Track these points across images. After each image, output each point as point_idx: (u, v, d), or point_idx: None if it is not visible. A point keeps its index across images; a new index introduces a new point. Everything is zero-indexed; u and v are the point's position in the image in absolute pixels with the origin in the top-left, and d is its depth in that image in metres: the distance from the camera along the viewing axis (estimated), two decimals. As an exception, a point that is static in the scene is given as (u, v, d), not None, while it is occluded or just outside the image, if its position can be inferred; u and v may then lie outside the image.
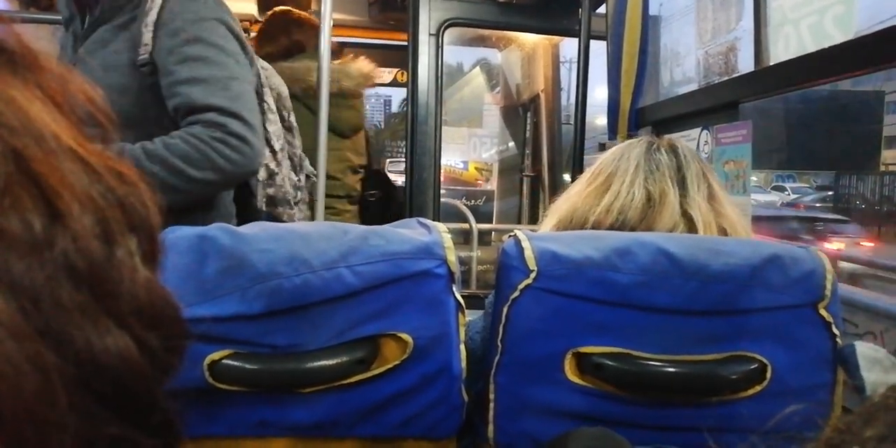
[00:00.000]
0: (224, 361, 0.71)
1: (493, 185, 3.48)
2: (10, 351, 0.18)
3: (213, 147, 1.17)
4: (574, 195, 0.94)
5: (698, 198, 0.90)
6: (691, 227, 0.88)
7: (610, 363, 0.74)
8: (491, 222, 3.23)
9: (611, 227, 0.88)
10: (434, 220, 0.84)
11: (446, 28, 2.23)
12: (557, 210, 0.96)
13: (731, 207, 0.93)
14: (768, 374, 0.75)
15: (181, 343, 0.26)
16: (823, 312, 0.75)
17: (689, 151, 0.96)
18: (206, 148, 1.17)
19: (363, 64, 2.33)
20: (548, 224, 0.96)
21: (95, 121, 0.26)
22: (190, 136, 1.17)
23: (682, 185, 0.90)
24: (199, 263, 0.71)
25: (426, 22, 2.20)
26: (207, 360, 0.71)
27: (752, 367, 0.74)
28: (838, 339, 0.75)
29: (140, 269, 0.24)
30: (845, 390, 0.76)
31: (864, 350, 0.55)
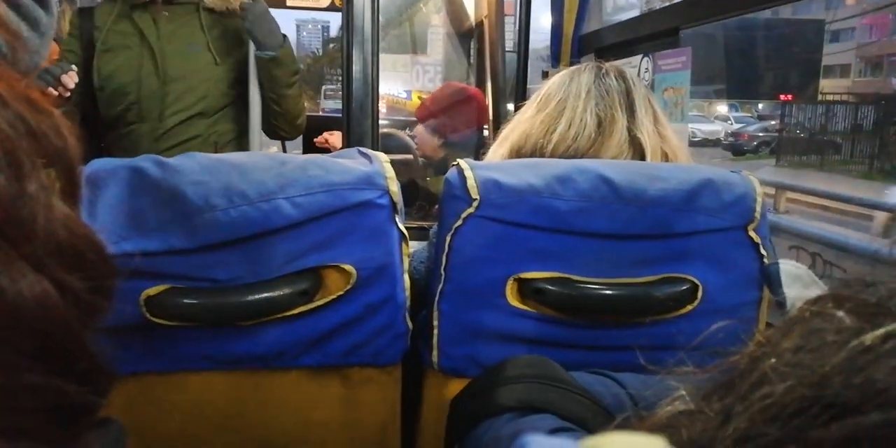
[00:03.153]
0: (161, 296, 0.70)
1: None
2: None
3: None
4: (524, 122, 0.93)
5: (646, 121, 0.90)
6: (637, 154, 0.89)
7: (550, 288, 0.76)
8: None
9: (563, 154, 0.88)
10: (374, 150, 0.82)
11: (385, -53, 2.12)
12: (508, 137, 0.95)
13: (672, 132, 0.94)
14: (699, 294, 0.78)
15: (108, 283, 0.24)
16: (752, 234, 0.78)
17: (635, 77, 0.96)
18: None
19: None
20: (499, 152, 0.95)
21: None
22: None
23: (630, 110, 0.90)
24: (129, 196, 0.68)
25: (363, -60, 2.08)
26: (143, 295, 0.69)
27: (684, 287, 0.77)
28: (765, 260, 0.79)
29: (57, 206, 0.22)
30: (769, 306, 0.80)
31: (787, 267, 0.58)
